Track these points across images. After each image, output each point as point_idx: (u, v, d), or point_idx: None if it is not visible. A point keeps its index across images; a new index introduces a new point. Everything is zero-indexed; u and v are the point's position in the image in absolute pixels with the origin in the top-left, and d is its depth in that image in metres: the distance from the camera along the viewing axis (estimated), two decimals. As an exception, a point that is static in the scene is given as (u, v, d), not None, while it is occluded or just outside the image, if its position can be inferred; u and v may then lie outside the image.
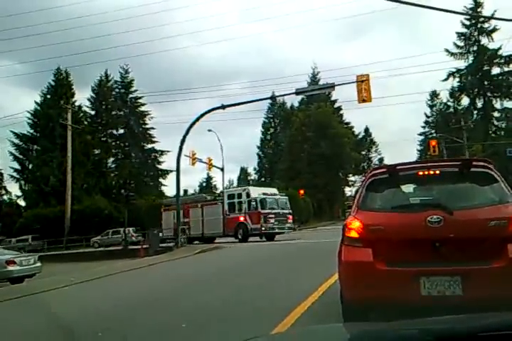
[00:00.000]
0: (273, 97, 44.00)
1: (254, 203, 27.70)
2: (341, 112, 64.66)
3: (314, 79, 63.24)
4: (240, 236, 27.52)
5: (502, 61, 50.04)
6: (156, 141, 57.60)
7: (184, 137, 25.86)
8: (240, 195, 29.12)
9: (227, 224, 28.53)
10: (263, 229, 26.74)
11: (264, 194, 28.78)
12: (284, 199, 29.59)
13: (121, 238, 31.23)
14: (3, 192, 53.31)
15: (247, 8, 78.23)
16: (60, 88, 50.88)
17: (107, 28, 64.38)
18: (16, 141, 50.46)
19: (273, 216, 27.32)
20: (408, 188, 5.52)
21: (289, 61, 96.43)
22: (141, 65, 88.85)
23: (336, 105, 63.52)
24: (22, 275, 15.27)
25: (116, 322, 6.44)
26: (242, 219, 27.84)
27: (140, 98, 56.89)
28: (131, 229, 34.25)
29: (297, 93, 27.33)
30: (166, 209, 31.83)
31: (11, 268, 15.07)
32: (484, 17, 48.40)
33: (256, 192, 28.99)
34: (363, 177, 8.42)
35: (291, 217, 28.91)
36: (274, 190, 31.73)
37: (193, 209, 30.33)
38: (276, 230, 27.46)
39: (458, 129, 47.24)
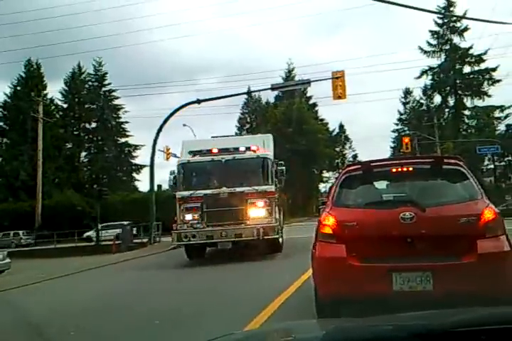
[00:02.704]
0: (249, 92, 44.02)
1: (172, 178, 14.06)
2: (316, 108, 65.03)
3: (289, 74, 63.27)
4: None
5: (473, 60, 50.94)
6: (130, 135, 56.80)
7: (158, 131, 25.63)
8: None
9: None
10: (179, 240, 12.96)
11: (196, 153, 13.86)
12: (254, 160, 13.56)
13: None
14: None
15: (223, 2, 77.75)
16: (31, 80, 49.64)
17: (81, 20, 63.56)
18: (-16, 134, 49.23)
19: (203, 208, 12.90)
20: (381, 185, 5.59)
21: (264, 56, 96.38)
22: (115, 57, 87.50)
23: (312, 101, 63.83)
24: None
25: (88, 320, 6.35)
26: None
27: (114, 91, 56.03)
28: (20, 231, 35.73)
29: (273, 88, 27.36)
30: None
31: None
32: (456, 16, 49.17)
33: (190, 147, 14.67)
34: (337, 174, 8.48)
35: (267, 203, 12.98)
36: (235, 141, 15.82)
37: None
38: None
39: (430, 126, 47.98)
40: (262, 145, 14.34)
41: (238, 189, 12.68)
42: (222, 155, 13.19)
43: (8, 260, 16.00)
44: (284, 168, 15.17)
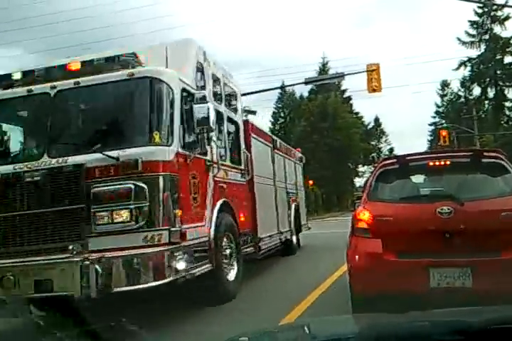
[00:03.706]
0: (283, 87, 43.83)
1: None
2: (351, 102, 64.30)
3: (324, 68, 62.76)
4: None
5: (515, 50, 49.36)
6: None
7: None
8: None
9: None
10: None
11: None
12: (124, 84, 5.46)
13: None
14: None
15: (256, -3, 77.56)
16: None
17: (109, 19, 64.16)
18: None
19: None
20: (418, 179, 5.50)
21: (299, 50, 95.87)
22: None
23: (346, 95, 63.14)
24: None
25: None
26: None
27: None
28: None
29: (306, 82, 27.17)
30: None
31: None
32: (497, 5, 47.63)
33: None
34: (373, 168, 8.38)
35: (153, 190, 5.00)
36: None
37: None
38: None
39: (469, 119, 46.76)
40: (165, 60, 6.16)
41: (73, 159, 5.07)
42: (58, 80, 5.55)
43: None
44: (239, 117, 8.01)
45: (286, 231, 10.79)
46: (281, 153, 11.38)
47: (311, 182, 48.78)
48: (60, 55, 51.57)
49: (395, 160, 5.37)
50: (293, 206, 12.02)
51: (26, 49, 74.17)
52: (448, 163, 5.07)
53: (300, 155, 14.21)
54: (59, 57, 7.75)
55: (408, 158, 5.28)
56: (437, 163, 5.06)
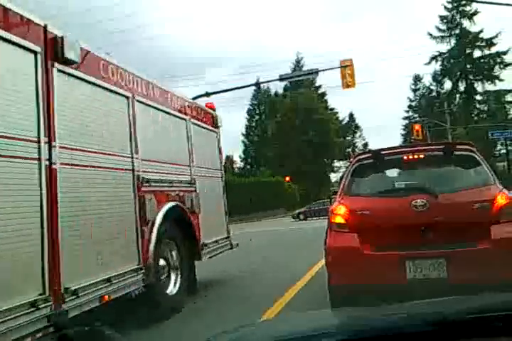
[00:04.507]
0: (257, 84, 43.81)
1: None
2: (326, 98, 64.70)
3: (298, 65, 63.01)
4: None
5: (483, 44, 50.30)
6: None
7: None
8: None
9: None
10: None
11: None
12: None
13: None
14: None
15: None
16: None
17: (90, 15, 63.20)
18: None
19: None
20: (393, 173, 5.55)
21: (274, 47, 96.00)
22: (124, 52, 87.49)
23: (321, 91, 63.50)
24: None
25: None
26: None
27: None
28: None
29: (281, 79, 27.19)
30: None
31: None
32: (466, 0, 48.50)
33: None
34: (348, 163, 8.42)
35: None
36: None
37: None
38: None
39: (441, 113, 47.53)
40: None
41: None
42: None
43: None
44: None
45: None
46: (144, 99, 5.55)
47: (287, 178, 49.04)
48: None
49: (369, 155, 5.41)
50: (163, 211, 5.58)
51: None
52: (421, 156, 5.13)
53: (213, 113, 8.05)
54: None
55: (382, 152, 5.33)
56: (411, 157, 5.12)
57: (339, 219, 4.71)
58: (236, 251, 8.17)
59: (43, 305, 3.48)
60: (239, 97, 65.34)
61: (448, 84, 53.82)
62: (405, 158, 5.16)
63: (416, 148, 5.54)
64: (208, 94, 25.70)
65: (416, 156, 5.12)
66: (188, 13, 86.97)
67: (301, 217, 35.04)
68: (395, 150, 5.56)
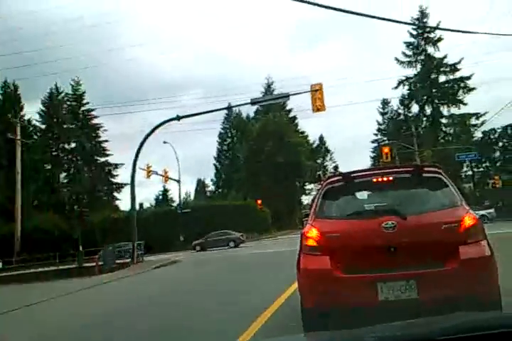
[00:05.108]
0: (228, 108, 44.07)
1: None
2: (296, 121, 65.48)
3: (269, 88, 63.83)
4: None
5: (448, 69, 52.06)
6: (110, 154, 56.28)
7: (139, 149, 25.49)
8: None
9: None
10: None
11: None
12: None
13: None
14: None
15: (199, 16, 78.26)
16: (8, 102, 49.23)
17: (58, 39, 62.98)
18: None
19: None
20: (363, 195, 5.60)
21: (244, 71, 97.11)
22: (93, 77, 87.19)
23: (291, 115, 64.29)
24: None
25: None
26: None
27: (92, 110, 55.65)
28: None
29: (252, 103, 27.49)
30: None
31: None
32: (430, 27, 50.39)
33: None
34: (319, 186, 8.46)
35: None
36: None
37: None
38: None
39: (409, 136, 48.58)
40: None
41: None
42: None
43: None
44: None
45: None
46: None
47: (259, 201, 49.01)
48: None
49: (340, 178, 5.46)
50: None
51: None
52: (391, 178, 5.20)
53: None
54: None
55: (353, 175, 5.38)
56: (381, 179, 5.19)
57: (311, 242, 4.71)
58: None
59: None
60: (212, 120, 65.41)
61: (415, 108, 55.29)
62: (375, 180, 5.22)
63: (385, 171, 5.61)
64: (178, 118, 25.71)
65: (385, 178, 5.19)
66: (154, 38, 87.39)
67: (197, 248, 35.62)
68: (365, 173, 5.62)
